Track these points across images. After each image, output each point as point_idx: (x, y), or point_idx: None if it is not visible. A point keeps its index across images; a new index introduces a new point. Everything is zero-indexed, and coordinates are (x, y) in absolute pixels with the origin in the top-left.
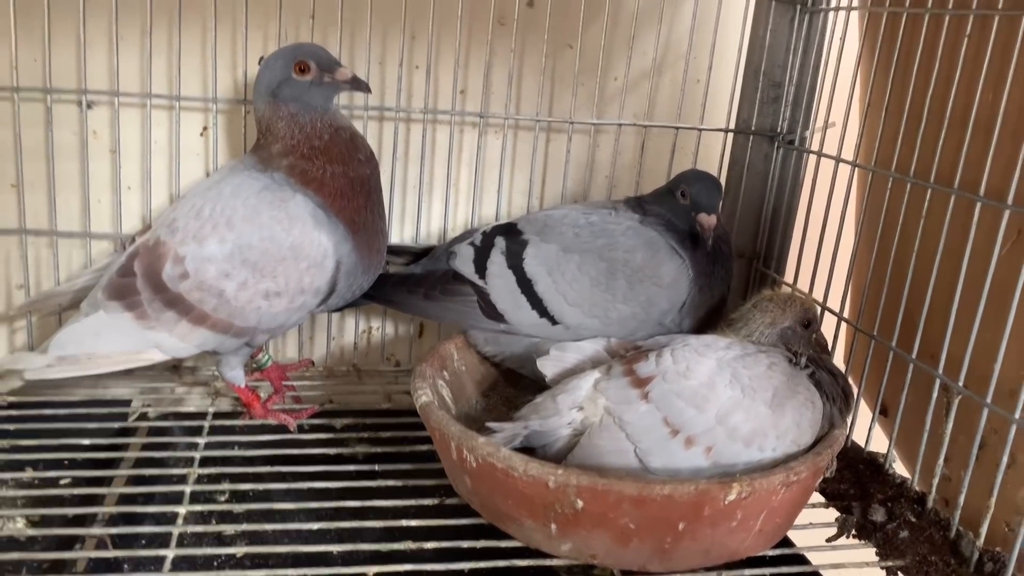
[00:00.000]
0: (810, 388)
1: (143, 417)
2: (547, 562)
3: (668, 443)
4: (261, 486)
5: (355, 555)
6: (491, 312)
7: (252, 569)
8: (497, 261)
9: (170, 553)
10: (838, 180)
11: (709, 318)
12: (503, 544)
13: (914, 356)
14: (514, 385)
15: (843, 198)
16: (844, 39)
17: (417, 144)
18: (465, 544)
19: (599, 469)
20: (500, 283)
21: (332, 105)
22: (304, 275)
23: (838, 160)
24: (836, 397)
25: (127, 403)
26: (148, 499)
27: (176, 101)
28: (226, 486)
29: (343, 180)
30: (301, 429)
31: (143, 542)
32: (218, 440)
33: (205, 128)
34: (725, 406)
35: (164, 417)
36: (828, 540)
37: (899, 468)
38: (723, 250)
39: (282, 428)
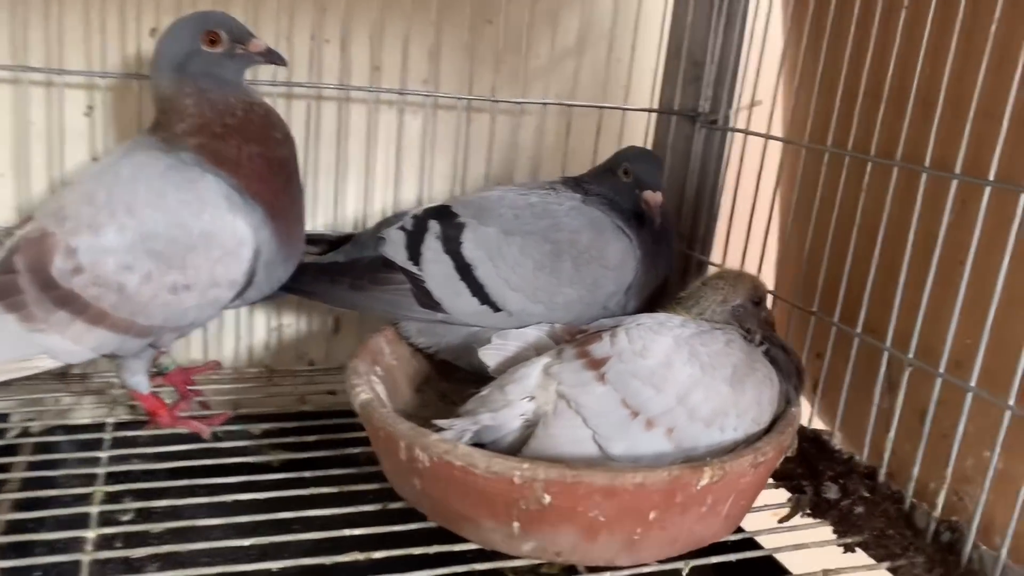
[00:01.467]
0: (767, 365)
1: (25, 433)
2: (502, 563)
3: (628, 426)
4: (180, 501)
5: (298, 571)
6: (426, 301)
7: None
8: (432, 246)
9: None
10: (764, 158)
11: (653, 299)
12: (457, 548)
13: (859, 330)
14: (448, 379)
15: (762, 175)
16: (769, 16)
17: (330, 124)
18: (417, 551)
19: (558, 460)
20: (436, 269)
21: (243, 79)
22: (217, 265)
23: (767, 138)
24: (791, 374)
25: (3, 417)
26: (39, 525)
27: (56, 76)
28: (138, 504)
29: (260, 161)
30: (215, 437)
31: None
32: (123, 454)
33: (90, 107)
34: (684, 385)
35: (51, 431)
36: (780, 521)
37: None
38: (667, 229)
39: (193, 437)
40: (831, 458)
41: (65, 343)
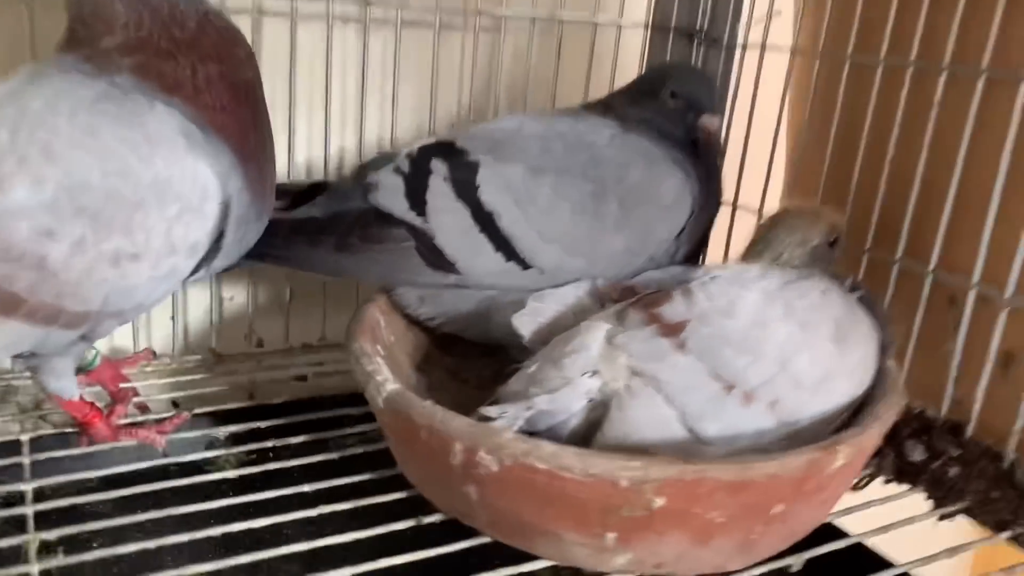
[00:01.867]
0: (867, 316)
1: None
2: None
3: (722, 402)
4: (134, 546)
5: None
6: (436, 261)
7: None
8: (440, 192)
9: None
10: (773, 76)
11: (701, 245)
12: (526, 568)
13: (931, 268)
14: (450, 353)
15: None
16: None
17: (276, 47)
18: None
19: (638, 448)
20: (448, 220)
21: None
22: (175, 226)
23: (788, 52)
24: (885, 322)
25: None
26: None
27: None
28: (86, 556)
29: (222, 85)
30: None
31: None
32: (53, 484)
33: None
34: (785, 347)
35: None
36: (854, 488)
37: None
38: (715, 162)
39: (140, 451)
40: (905, 414)
41: None
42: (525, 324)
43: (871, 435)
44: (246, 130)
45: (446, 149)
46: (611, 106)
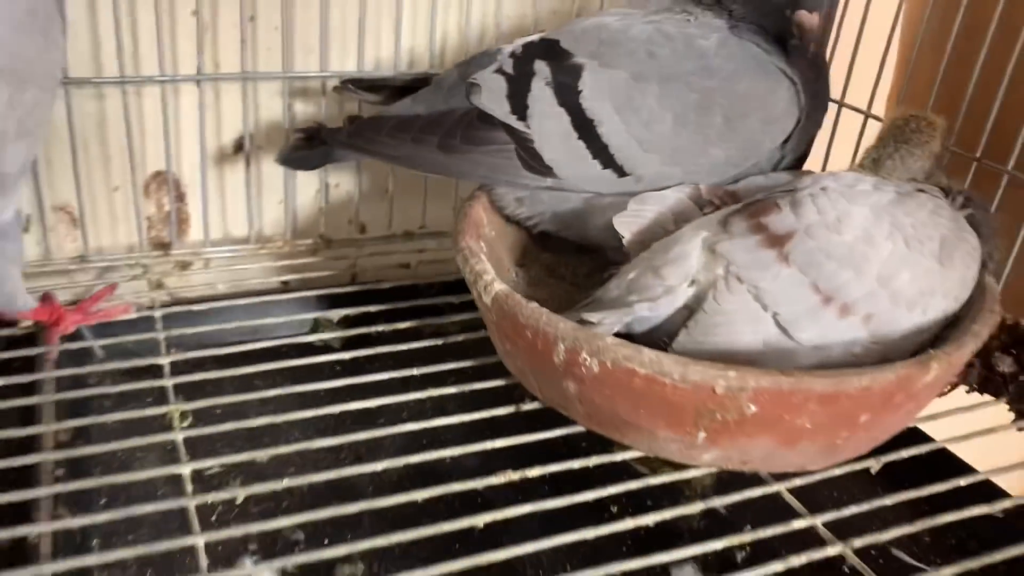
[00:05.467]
0: (972, 233)
1: None
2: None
3: (819, 313)
4: (263, 420)
5: (443, 498)
6: (535, 165)
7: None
8: (542, 96)
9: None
10: None
11: (807, 151)
12: (618, 457)
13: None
14: (548, 249)
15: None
16: None
17: None
18: (575, 464)
19: (727, 345)
20: (549, 125)
21: None
22: None
23: None
24: (990, 238)
25: None
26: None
27: None
28: (220, 427)
29: None
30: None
31: None
32: (184, 359)
33: None
34: (889, 264)
35: None
36: (942, 394)
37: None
38: (822, 65)
39: (256, 331)
40: (999, 324)
41: None
42: (626, 225)
43: (963, 352)
44: None
45: (551, 49)
46: (720, 1)
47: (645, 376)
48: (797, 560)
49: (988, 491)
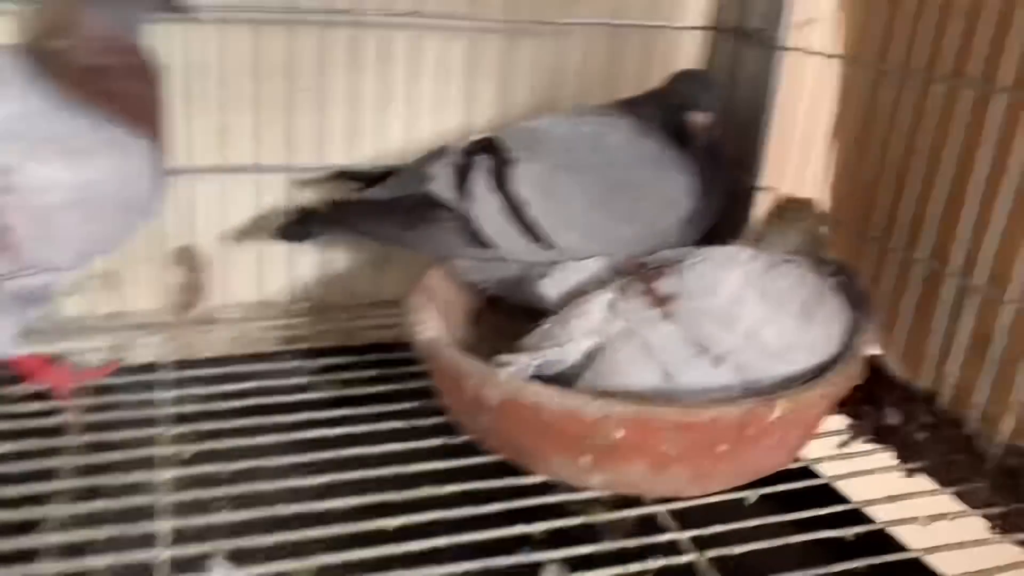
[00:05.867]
0: (837, 296)
1: None
2: (571, 496)
3: (695, 362)
4: (243, 442)
5: (364, 509)
6: (476, 239)
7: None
8: (481, 183)
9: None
10: (815, 79)
11: (715, 229)
12: (525, 481)
13: (921, 256)
14: (500, 312)
15: (812, 97)
16: None
17: (372, 53)
18: (484, 484)
19: (621, 387)
20: (486, 208)
21: None
22: None
23: (826, 56)
24: (860, 303)
25: None
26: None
27: None
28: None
29: None
30: (268, 375)
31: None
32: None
33: None
34: (755, 322)
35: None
36: (840, 446)
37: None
38: (721, 157)
39: (253, 374)
40: (890, 384)
41: None
42: (550, 288)
43: (811, 395)
44: None
45: (491, 146)
46: (634, 105)
47: (531, 405)
48: (655, 563)
49: (855, 518)
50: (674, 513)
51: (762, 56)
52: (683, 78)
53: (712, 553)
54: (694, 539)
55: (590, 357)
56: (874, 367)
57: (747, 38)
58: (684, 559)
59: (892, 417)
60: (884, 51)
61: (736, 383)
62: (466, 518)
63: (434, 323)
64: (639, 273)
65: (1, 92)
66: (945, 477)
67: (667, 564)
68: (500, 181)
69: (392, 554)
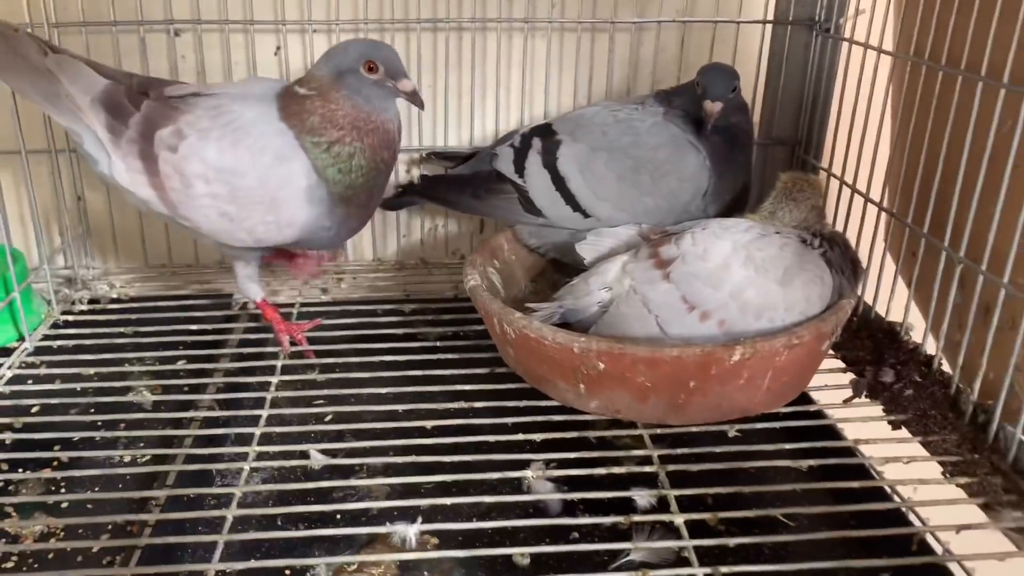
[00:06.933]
0: (820, 264)
1: (244, 307)
2: (578, 417)
3: (685, 316)
4: (341, 360)
5: (420, 412)
6: (531, 208)
7: (335, 423)
8: (534, 161)
9: (264, 413)
10: (873, 68)
11: (734, 203)
12: (543, 403)
13: (946, 244)
14: (560, 271)
15: (873, 85)
16: None
17: (467, 52)
18: (510, 404)
19: (625, 336)
20: (537, 181)
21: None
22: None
23: (867, 47)
24: (845, 269)
25: (229, 296)
26: (249, 372)
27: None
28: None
29: None
30: (375, 314)
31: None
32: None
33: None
34: (739, 284)
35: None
36: (845, 401)
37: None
38: (740, 139)
39: (363, 312)
40: (898, 347)
41: None
42: (585, 251)
43: (773, 343)
44: None
45: (544, 130)
46: (668, 95)
47: (535, 338)
48: (619, 469)
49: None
50: (655, 437)
51: (820, 45)
52: (706, 70)
53: (671, 467)
54: (662, 456)
55: (603, 309)
56: (892, 332)
57: (806, 30)
58: (648, 468)
59: (887, 375)
60: (925, 45)
61: (719, 336)
62: (486, 425)
63: (485, 275)
64: (652, 240)
65: None
66: (919, 429)
67: (632, 471)
68: (548, 159)
69: (424, 444)
